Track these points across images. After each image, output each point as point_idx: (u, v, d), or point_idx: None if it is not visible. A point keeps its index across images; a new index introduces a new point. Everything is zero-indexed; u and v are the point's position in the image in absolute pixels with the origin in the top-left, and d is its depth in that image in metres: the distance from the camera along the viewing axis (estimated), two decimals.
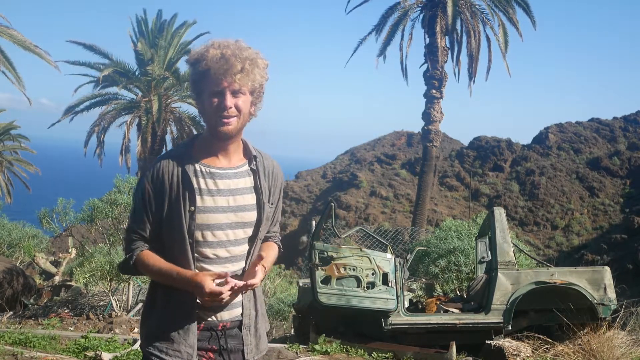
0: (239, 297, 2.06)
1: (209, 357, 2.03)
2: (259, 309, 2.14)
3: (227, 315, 2.04)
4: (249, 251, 2.08)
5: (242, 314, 2.07)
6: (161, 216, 1.99)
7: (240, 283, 1.92)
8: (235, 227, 2.03)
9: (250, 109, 2.02)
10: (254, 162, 2.09)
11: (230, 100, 1.94)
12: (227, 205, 2.01)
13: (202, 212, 1.98)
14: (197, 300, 1.99)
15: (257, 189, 2.08)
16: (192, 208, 1.96)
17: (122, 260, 2.09)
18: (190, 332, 1.97)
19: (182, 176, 1.98)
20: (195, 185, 1.98)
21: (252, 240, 2.08)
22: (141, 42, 21.72)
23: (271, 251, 2.19)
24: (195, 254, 1.99)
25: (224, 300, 1.92)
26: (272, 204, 2.13)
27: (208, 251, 2.00)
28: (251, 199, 2.06)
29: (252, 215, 2.06)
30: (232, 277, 1.98)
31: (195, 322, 1.98)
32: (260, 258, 2.02)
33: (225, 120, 1.95)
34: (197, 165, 2.00)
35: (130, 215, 2.08)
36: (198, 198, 1.97)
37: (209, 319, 2.02)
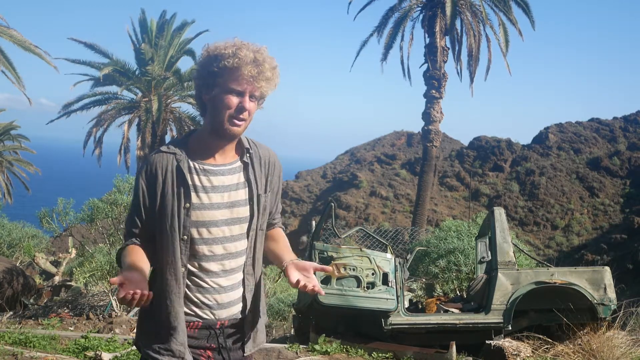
0: (239, 294, 2.06)
1: (208, 356, 2.03)
2: (259, 304, 2.14)
3: (225, 314, 2.04)
4: (248, 246, 2.08)
5: (242, 308, 2.07)
6: (154, 212, 1.98)
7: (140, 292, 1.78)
8: (231, 223, 2.03)
9: None
10: (247, 155, 2.08)
11: (248, 104, 1.95)
12: (222, 201, 2.01)
13: (198, 209, 1.98)
14: (195, 299, 2.00)
15: (249, 182, 2.07)
16: (188, 205, 1.96)
17: (116, 253, 2.09)
18: (179, 330, 1.97)
19: (176, 173, 1.98)
20: (190, 182, 1.98)
21: (248, 234, 2.08)
22: (143, 41, 21.71)
23: (285, 240, 2.22)
24: (191, 252, 1.99)
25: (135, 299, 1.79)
26: (267, 192, 2.12)
27: (204, 248, 2.00)
28: (244, 193, 2.06)
29: (246, 210, 2.06)
30: (231, 275, 2.02)
31: (184, 321, 1.98)
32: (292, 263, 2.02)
33: (238, 122, 1.96)
34: (191, 162, 2.00)
35: (128, 209, 2.08)
36: (193, 195, 1.97)
37: (207, 317, 2.02)
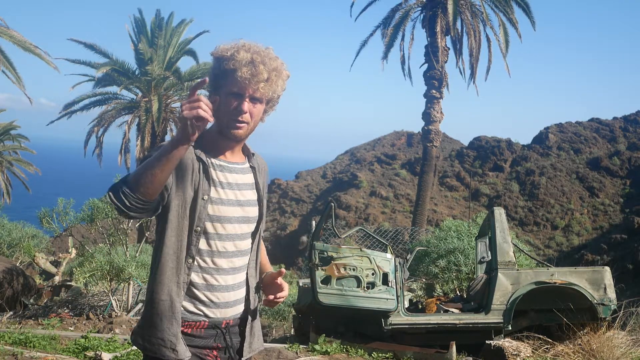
0: (243, 293, 2.09)
1: (214, 356, 2.04)
2: (258, 308, 2.18)
3: (231, 312, 2.06)
4: (251, 246, 2.13)
5: (245, 308, 2.10)
6: (170, 191, 1.92)
7: None
8: (242, 221, 2.06)
9: (262, 115, 2.07)
10: (253, 159, 2.15)
11: (247, 106, 1.96)
12: (235, 199, 2.04)
13: (215, 203, 1.99)
14: (203, 298, 1.99)
15: (257, 186, 2.13)
16: (206, 197, 1.97)
17: (114, 184, 1.83)
18: (174, 321, 1.95)
19: (200, 163, 1.98)
20: (211, 176, 2.00)
21: (254, 235, 2.13)
22: (141, 41, 21.69)
23: (264, 252, 2.31)
24: (205, 247, 1.99)
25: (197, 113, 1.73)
26: (264, 200, 2.19)
27: (218, 244, 2.01)
28: (252, 194, 2.11)
29: (255, 211, 2.11)
30: (238, 273, 2.07)
31: (180, 312, 1.96)
32: (277, 273, 2.18)
33: (238, 124, 1.97)
34: (208, 157, 2.02)
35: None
36: (212, 189, 1.99)
37: (213, 316, 2.02)
